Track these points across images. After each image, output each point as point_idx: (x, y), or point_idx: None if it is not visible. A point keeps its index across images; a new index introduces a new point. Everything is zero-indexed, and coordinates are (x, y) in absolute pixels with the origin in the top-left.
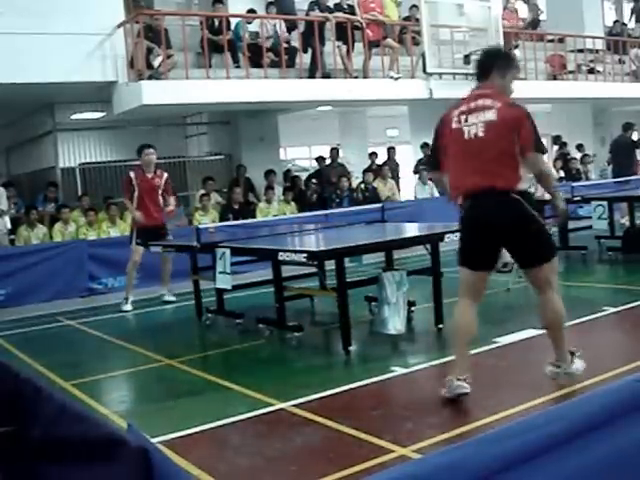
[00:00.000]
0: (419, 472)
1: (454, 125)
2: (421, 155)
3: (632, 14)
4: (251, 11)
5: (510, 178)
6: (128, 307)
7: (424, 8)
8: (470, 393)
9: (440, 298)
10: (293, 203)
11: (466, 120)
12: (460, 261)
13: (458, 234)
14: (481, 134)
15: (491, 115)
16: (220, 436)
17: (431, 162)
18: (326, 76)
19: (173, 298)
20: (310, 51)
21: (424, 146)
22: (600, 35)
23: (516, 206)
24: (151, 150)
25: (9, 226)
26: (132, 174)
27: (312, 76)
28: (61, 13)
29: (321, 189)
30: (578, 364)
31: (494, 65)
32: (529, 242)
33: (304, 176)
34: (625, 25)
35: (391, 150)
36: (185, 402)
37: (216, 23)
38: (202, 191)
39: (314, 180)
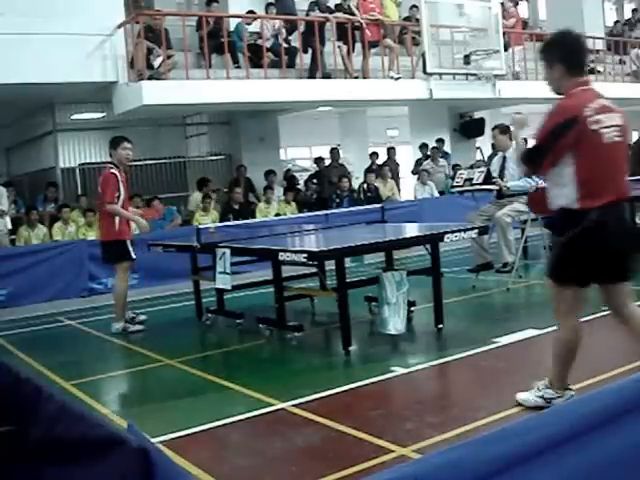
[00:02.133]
0: (419, 472)
1: (592, 127)
2: (419, 155)
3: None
4: (250, 12)
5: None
6: (137, 327)
7: (424, 8)
8: (470, 393)
9: (440, 298)
10: (294, 203)
11: (601, 122)
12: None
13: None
14: (617, 139)
15: (619, 119)
16: (220, 436)
17: (537, 161)
18: (326, 76)
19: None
20: (310, 51)
21: (423, 147)
22: (600, 35)
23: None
24: (130, 144)
25: (10, 226)
26: (116, 172)
27: (312, 76)
28: (61, 13)
29: (320, 189)
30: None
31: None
32: None
33: (304, 176)
34: (626, 25)
35: (391, 150)
36: (185, 402)
37: (211, 23)
38: (196, 193)
39: (314, 180)
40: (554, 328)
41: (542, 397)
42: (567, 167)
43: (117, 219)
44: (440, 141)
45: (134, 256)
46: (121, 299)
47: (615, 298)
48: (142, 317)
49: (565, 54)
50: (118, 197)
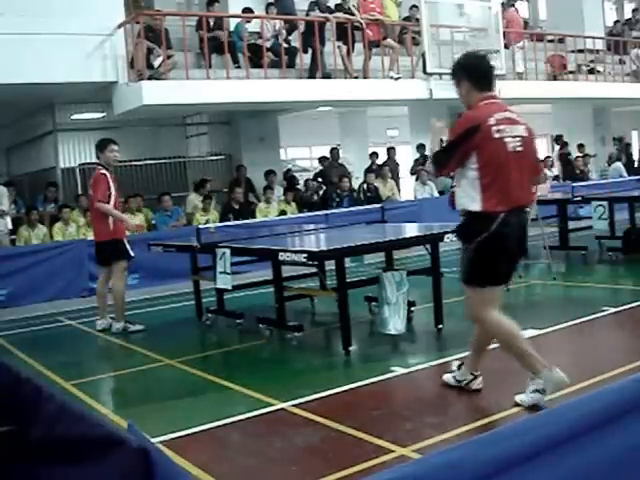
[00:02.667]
0: (419, 472)
1: (495, 135)
2: (418, 155)
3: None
4: (247, 10)
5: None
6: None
7: (424, 8)
8: (470, 393)
9: (440, 298)
10: (294, 203)
11: (504, 131)
12: (489, 280)
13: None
14: (519, 149)
15: (523, 131)
16: (220, 436)
17: (443, 161)
18: (326, 76)
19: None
20: (310, 51)
21: (420, 147)
22: (600, 35)
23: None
24: (117, 146)
25: (10, 226)
26: (106, 173)
27: (312, 76)
28: (61, 13)
29: (325, 189)
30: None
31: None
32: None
33: (304, 176)
34: (626, 25)
35: (391, 150)
36: (185, 402)
37: (211, 23)
38: (193, 194)
39: (319, 179)
40: (554, 328)
41: (537, 391)
42: (473, 172)
43: (110, 218)
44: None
45: (132, 254)
46: (120, 299)
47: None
48: (118, 326)
49: (471, 72)
50: (109, 197)
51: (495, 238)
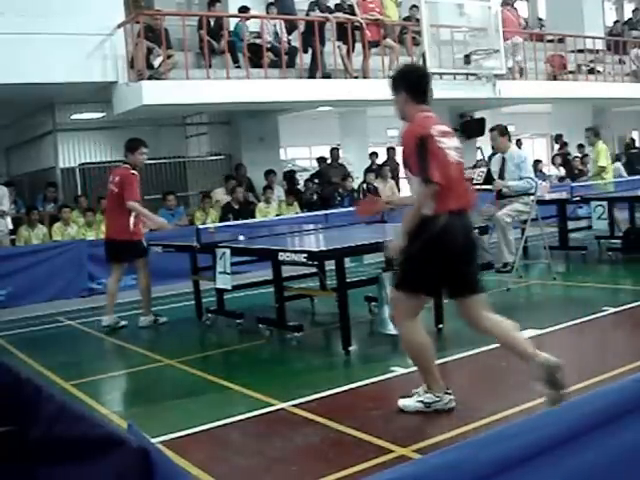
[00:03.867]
0: (419, 472)
1: (440, 145)
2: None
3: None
4: (244, 8)
5: None
6: (164, 319)
7: (424, 8)
8: (470, 393)
9: (440, 298)
10: (295, 203)
11: (445, 142)
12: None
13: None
14: (458, 159)
15: (457, 142)
16: (220, 436)
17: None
18: (326, 76)
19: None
20: (310, 51)
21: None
22: (600, 35)
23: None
24: (147, 149)
25: (11, 227)
26: (134, 172)
27: (312, 76)
28: (61, 13)
29: (321, 189)
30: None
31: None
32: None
33: (304, 176)
34: (626, 25)
35: (391, 150)
36: (185, 402)
37: (211, 23)
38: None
39: (316, 180)
40: (554, 328)
41: (422, 402)
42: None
43: (132, 219)
44: None
45: (148, 252)
46: (148, 293)
47: (469, 311)
48: (123, 322)
49: (409, 84)
50: (139, 198)
51: (436, 239)
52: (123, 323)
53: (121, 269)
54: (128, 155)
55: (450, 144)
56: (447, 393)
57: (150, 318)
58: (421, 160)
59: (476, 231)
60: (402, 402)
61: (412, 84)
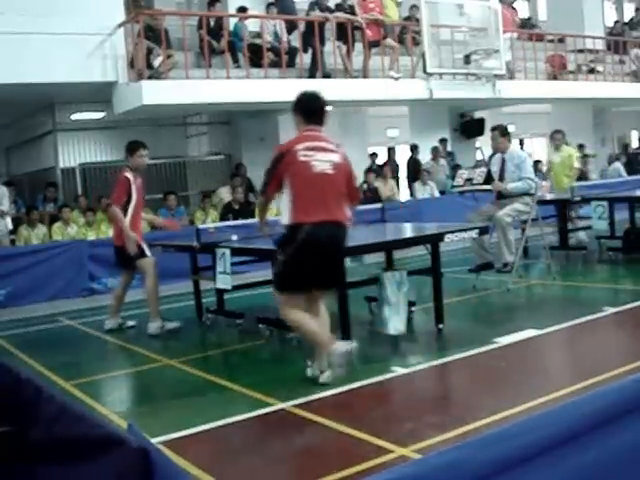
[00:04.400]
0: (419, 472)
1: (301, 158)
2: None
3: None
4: (243, 9)
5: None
6: (174, 324)
7: (424, 8)
8: (470, 393)
9: (440, 298)
10: None
11: (313, 156)
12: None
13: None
14: (329, 172)
15: (337, 158)
16: (220, 436)
17: (264, 189)
18: (326, 76)
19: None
20: (310, 51)
21: (414, 148)
22: (600, 35)
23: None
24: (147, 150)
25: (10, 227)
26: (130, 176)
27: (312, 76)
28: (61, 13)
29: None
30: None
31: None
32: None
33: None
34: (626, 25)
35: (391, 150)
36: (185, 402)
37: (211, 23)
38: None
39: None
40: (554, 328)
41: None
42: (287, 190)
43: (126, 222)
44: (443, 141)
45: (148, 254)
46: (153, 297)
47: (313, 299)
48: (131, 323)
49: (301, 108)
50: (127, 202)
51: (302, 246)
52: (131, 323)
53: (128, 275)
54: (128, 157)
55: (323, 158)
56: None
57: (158, 324)
58: (268, 172)
59: (473, 233)
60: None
61: (303, 107)
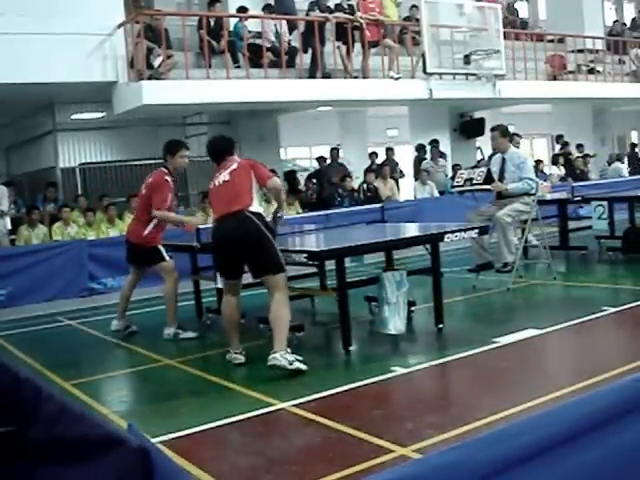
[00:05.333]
0: (419, 472)
1: (212, 184)
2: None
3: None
4: (243, 9)
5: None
6: (189, 334)
7: (424, 8)
8: (470, 393)
9: (440, 298)
10: (297, 203)
11: (217, 177)
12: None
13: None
14: (223, 183)
15: (227, 175)
16: (220, 436)
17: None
18: (326, 76)
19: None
20: (310, 51)
21: (420, 148)
22: (600, 35)
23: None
24: (188, 151)
25: (9, 227)
26: (169, 179)
27: (312, 76)
28: (61, 13)
29: (320, 189)
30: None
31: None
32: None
33: (304, 176)
34: (625, 25)
35: (389, 151)
36: (185, 402)
37: (212, 23)
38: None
39: (314, 180)
40: (554, 328)
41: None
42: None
43: (150, 226)
44: (435, 142)
45: (167, 258)
46: (171, 303)
47: (235, 289)
48: (134, 328)
49: (210, 150)
50: (167, 206)
51: (213, 238)
52: (134, 328)
53: (138, 274)
54: (168, 158)
55: (222, 177)
56: (238, 353)
57: (172, 330)
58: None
59: (473, 233)
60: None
61: (210, 152)
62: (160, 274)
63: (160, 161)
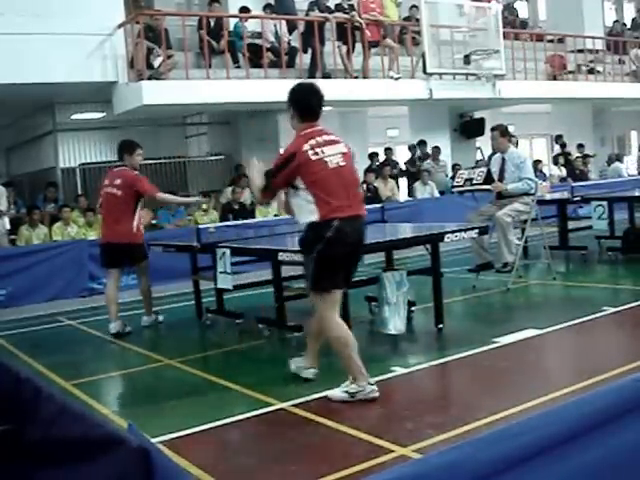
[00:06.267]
0: (419, 472)
1: (313, 157)
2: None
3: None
4: (245, 9)
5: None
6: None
7: (424, 8)
8: (470, 393)
9: (440, 298)
10: None
11: (323, 152)
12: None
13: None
14: (342, 164)
15: (343, 148)
16: (220, 436)
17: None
18: (326, 76)
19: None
20: (310, 51)
21: (413, 147)
22: (600, 35)
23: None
24: (142, 150)
25: (8, 227)
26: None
27: (312, 76)
28: (61, 13)
29: None
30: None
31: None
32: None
33: None
34: (625, 25)
35: (388, 151)
36: (185, 402)
37: (211, 23)
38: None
39: None
40: (554, 328)
41: (347, 392)
42: (303, 191)
43: (135, 222)
44: (422, 143)
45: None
46: (148, 296)
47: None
48: (129, 328)
49: (299, 105)
50: (138, 199)
51: (330, 243)
52: (129, 329)
53: (118, 274)
54: (125, 157)
55: (330, 152)
56: (370, 384)
57: (152, 318)
58: (274, 173)
59: (473, 233)
60: (330, 393)
61: (299, 102)
62: (139, 272)
63: (160, 161)
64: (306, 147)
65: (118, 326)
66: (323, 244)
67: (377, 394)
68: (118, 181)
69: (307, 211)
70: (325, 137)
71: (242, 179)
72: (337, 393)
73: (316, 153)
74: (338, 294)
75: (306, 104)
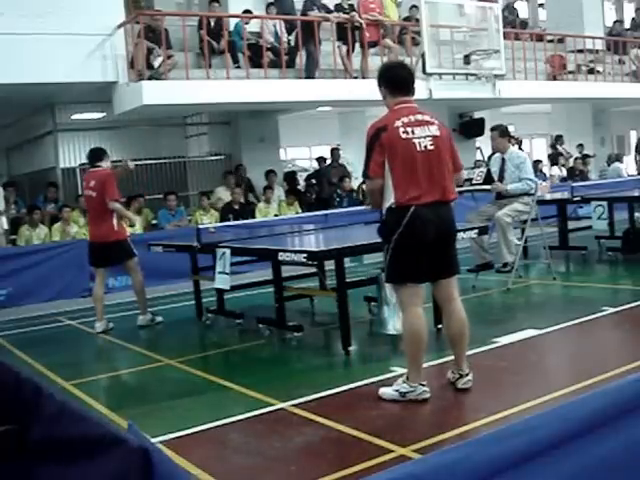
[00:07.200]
0: (419, 472)
1: (403, 135)
2: None
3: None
4: (247, 12)
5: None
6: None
7: (424, 8)
8: (470, 393)
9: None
10: (296, 203)
11: (413, 132)
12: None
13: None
14: (430, 147)
15: (435, 131)
16: (220, 436)
17: (365, 166)
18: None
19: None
20: (305, 50)
21: None
22: (600, 35)
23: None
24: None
25: (6, 226)
26: (113, 174)
27: (310, 76)
28: (61, 13)
29: (319, 189)
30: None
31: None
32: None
33: (304, 176)
34: (622, 24)
35: None
36: (185, 402)
37: (212, 24)
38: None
39: (313, 180)
40: (554, 328)
41: (398, 391)
42: (388, 174)
43: (115, 219)
44: None
45: (136, 252)
46: (143, 293)
47: (441, 292)
48: (111, 325)
49: (388, 79)
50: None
51: (408, 230)
52: (111, 325)
53: (105, 273)
54: (101, 164)
55: (420, 134)
56: (422, 384)
57: (148, 317)
58: (366, 154)
59: (472, 233)
60: (382, 390)
61: (391, 79)
62: (128, 270)
63: (160, 161)
64: (398, 123)
65: (103, 325)
66: (399, 232)
67: (428, 395)
68: (92, 183)
69: (387, 195)
70: (418, 116)
71: (228, 177)
72: (388, 391)
73: (406, 132)
74: (418, 288)
75: (394, 74)
